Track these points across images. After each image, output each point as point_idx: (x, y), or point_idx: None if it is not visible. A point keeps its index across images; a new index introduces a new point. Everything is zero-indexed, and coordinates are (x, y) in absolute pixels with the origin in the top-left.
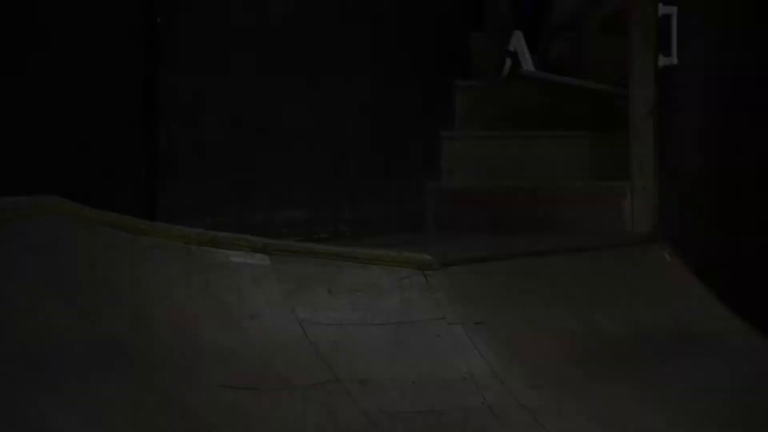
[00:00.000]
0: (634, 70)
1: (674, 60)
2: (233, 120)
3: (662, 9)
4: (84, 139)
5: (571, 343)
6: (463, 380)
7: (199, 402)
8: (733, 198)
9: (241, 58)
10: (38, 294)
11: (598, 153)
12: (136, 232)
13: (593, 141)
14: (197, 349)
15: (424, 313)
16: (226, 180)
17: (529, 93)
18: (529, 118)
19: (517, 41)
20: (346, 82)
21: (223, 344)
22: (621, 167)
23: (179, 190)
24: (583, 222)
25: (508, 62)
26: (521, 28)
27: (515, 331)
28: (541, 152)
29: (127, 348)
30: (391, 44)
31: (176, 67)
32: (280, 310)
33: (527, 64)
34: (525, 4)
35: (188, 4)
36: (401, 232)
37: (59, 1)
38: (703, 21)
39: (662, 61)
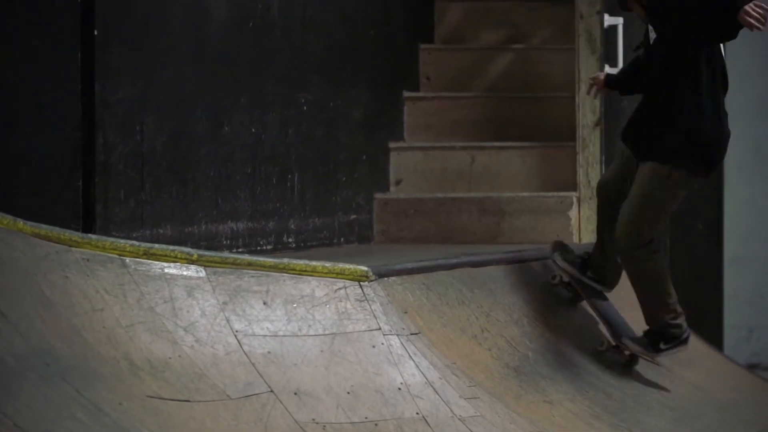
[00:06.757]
0: (581, 80)
1: None
2: (172, 131)
3: (608, 20)
4: (20, 151)
5: (509, 352)
6: (398, 391)
7: (131, 414)
8: None
9: (181, 69)
10: None
11: (545, 163)
12: (71, 244)
13: (541, 151)
14: (130, 361)
15: (360, 323)
16: (166, 191)
17: None
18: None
19: None
20: (291, 94)
21: (157, 356)
22: (568, 177)
23: (117, 202)
24: (529, 232)
25: None
26: None
27: (452, 342)
28: (490, 163)
29: (58, 360)
30: (338, 57)
31: (114, 78)
32: (214, 322)
33: None
34: None
35: (126, 17)
36: (348, 243)
37: None
38: None
39: (608, 71)
